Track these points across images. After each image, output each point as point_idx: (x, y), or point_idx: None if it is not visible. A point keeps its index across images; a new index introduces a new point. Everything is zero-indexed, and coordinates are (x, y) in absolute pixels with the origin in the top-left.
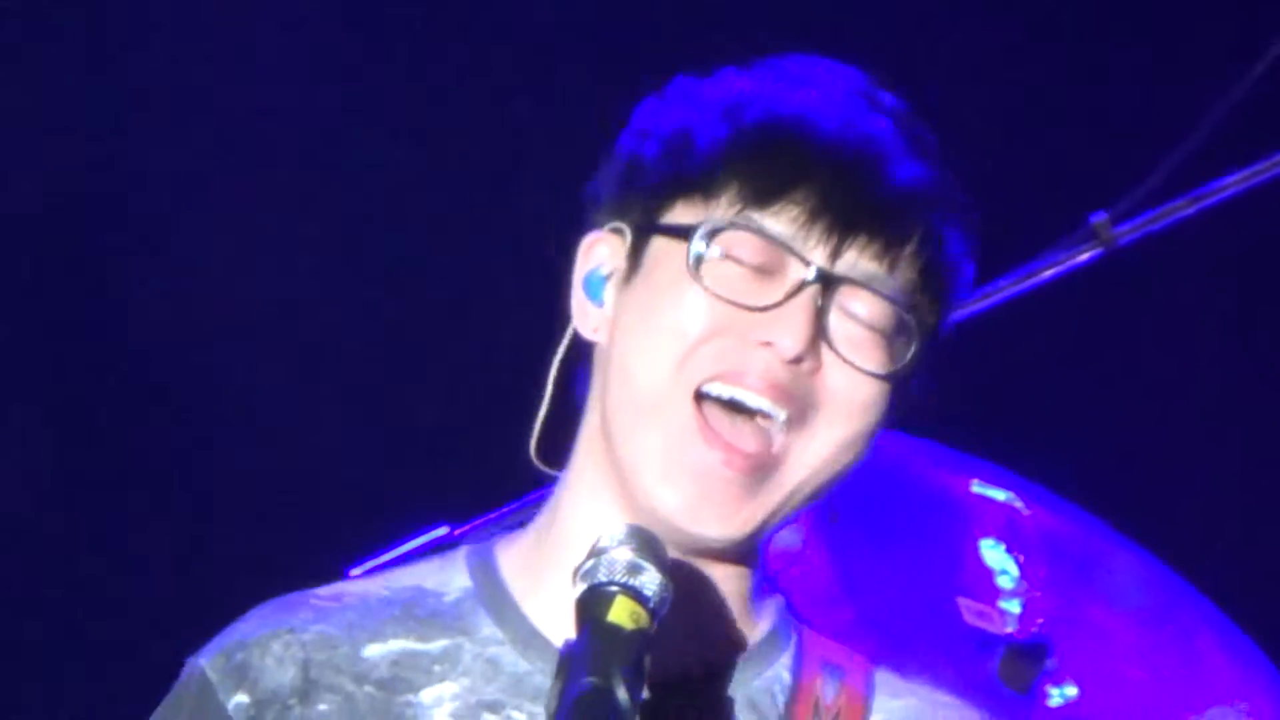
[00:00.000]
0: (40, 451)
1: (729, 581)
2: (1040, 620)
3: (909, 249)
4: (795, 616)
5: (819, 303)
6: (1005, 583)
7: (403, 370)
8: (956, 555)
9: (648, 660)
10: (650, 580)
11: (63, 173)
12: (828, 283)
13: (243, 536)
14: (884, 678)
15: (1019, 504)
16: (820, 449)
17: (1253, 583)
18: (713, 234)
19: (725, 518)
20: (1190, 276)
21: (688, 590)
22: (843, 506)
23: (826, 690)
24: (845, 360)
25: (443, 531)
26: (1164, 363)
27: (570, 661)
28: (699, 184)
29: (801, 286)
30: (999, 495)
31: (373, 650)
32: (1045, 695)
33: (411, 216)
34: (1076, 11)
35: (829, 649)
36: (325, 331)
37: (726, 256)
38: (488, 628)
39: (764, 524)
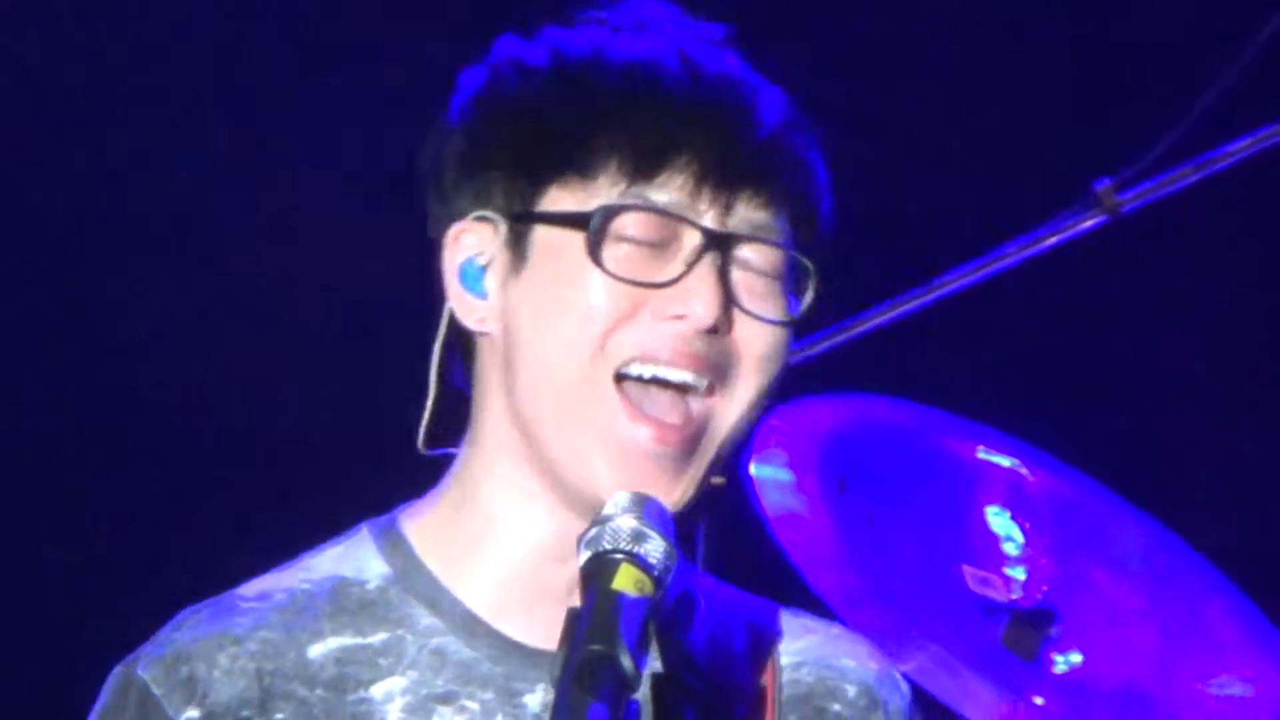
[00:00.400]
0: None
1: None
2: (1045, 587)
3: (792, 192)
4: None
5: (720, 265)
6: (1010, 549)
7: (398, 363)
8: (961, 522)
9: (653, 627)
10: (655, 548)
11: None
12: (724, 244)
13: (229, 526)
14: (787, 619)
15: (1024, 470)
16: (741, 406)
17: (1260, 549)
18: (606, 218)
19: (667, 493)
20: (1194, 243)
21: None
22: (850, 475)
23: (735, 640)
24: (754, 316)
25: None
26: (1168, 329)
27: (574, 629)
28: (573, 164)
29: (701, 254)
30: (1004, 461)
31: (315, 650)
32: (1050, 662)
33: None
34: None
35: (735, 594)
36: (314, 325)
37: (622, 238)
38: (425, 617)
39: (698, 487)
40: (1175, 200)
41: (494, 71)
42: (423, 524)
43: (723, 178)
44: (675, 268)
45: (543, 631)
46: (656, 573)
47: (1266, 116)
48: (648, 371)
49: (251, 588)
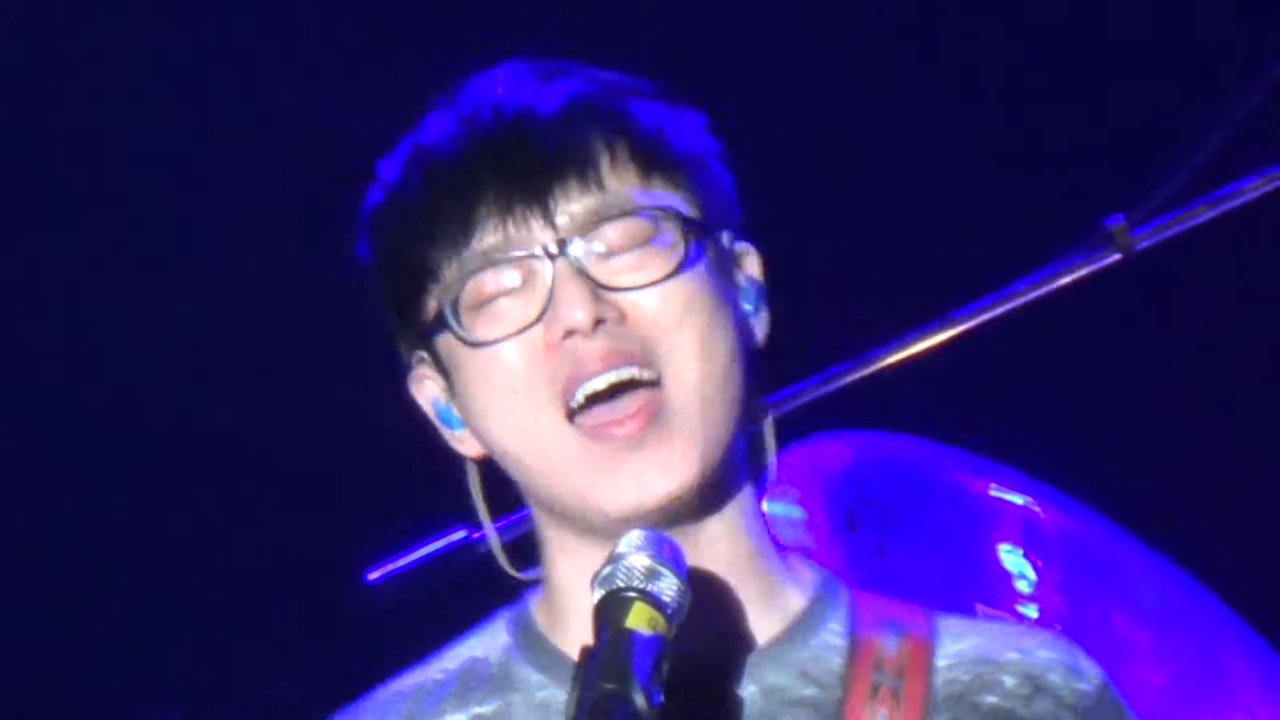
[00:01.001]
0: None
1: (734, 551)
2: (1058, 625)
3: (603, 161)
4: (842, 580)
5: (574, 268)
6: (1023, 587)
7: None
8: (975, 559)
9: (666, 665)
10: (668, 585)
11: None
12: (564, 248)
13: (262, 542)
14: (946, 623)
15: (1037, 508)
16: (682, 371)
17: (1273, 590)
18: (454, 303)
19: (645, 479)
20: (1208, 281)
21: (697, 575)
22: (860, 512)
23: (887, 645)
24: (634, 288)
25: (460, 536)
26: (1183, 367)
27: (588, 667)
28: (415, 270)
29: (551, 270)
30: (1017, 499)
31: None
32: None
33: None
34: (1094, 13)
35: (884, 605)
36: (342, 333)
37: (481, 303)
38: (534, 675)
39: (703, 451)
40: (1189, 237)
41: (362, 212)
42: (540, 598)
43: (520, 198)
44: (542, 297)
45: None
46: (669, 610)
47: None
48: (580, 395)
49: (396, 682)
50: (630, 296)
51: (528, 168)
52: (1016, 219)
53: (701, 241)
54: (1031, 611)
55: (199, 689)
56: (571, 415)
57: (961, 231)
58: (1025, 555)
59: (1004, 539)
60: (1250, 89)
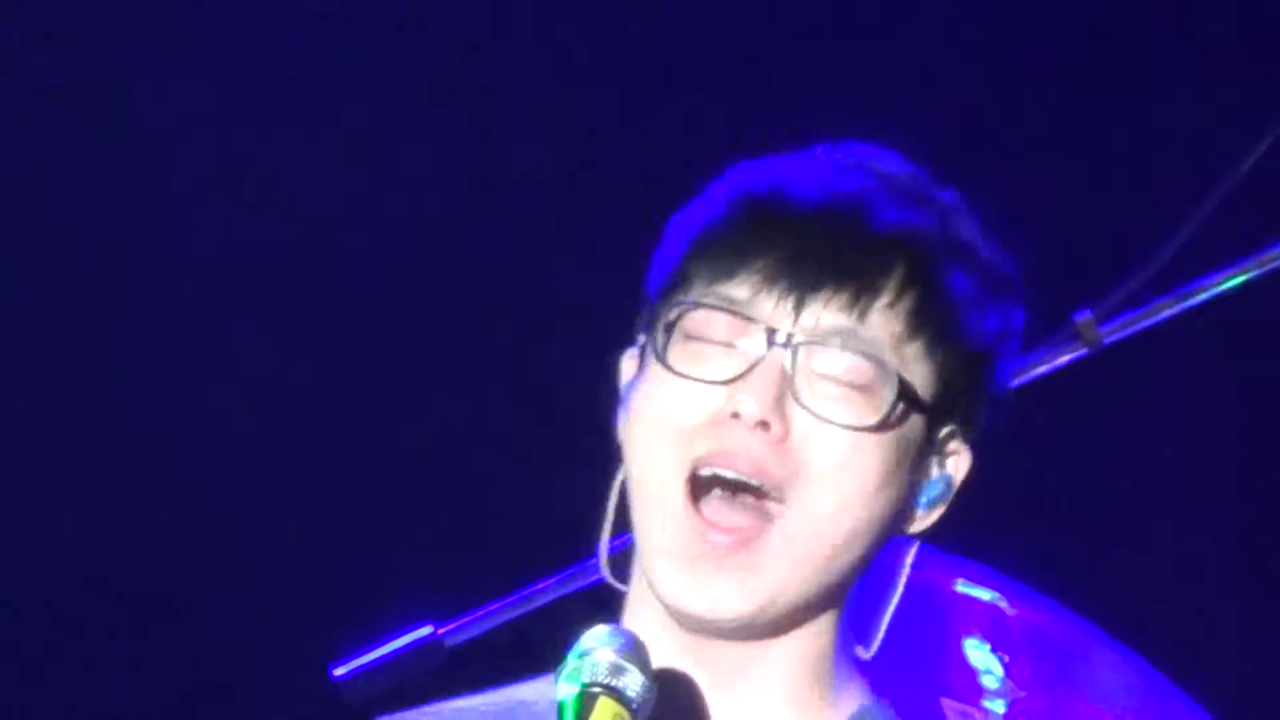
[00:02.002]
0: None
1: (789, 670)
2: None
3: (884, 298)
4: (890, 699)
5: (785, 365)
6: (990, 683)
7: (387, 469)
8: (940, 654)
9: None
10: (633, 681)
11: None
12: (789, 343)
13: (227, 634)
14: None
15: (1004, 603)
16: (810, 515)
17: (1244, 686)
18: (676, 317)
19: (717, 595)
20: (1177, 376)
21: (738, 676)
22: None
23: None
24: (820, 418)
25: (427, 631)
26: (1150, 462)
27: None
28: (678, 276)
29: (763, 352)
30: (984, 595)
31: None
32: None
33: (412, 313)
34: (1057, 106)
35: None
36: (303, 426)
37: (691, 337)
38: None
39: (773, 597)
40: (1157, 332)
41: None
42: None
43: (794, 277)
44: (740, 366)
45: None
46: (635, 705)
47: (1250, 246)
48: (707, 471)
49: (435, 706)
50: (808, 424)
51: (824, 254)
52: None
53: (914, 420)
54: (999, 706)
55: None
56: (691, 480)
57: None
58: (992, 650)
59: (970, 634)
60: (1218, 184)
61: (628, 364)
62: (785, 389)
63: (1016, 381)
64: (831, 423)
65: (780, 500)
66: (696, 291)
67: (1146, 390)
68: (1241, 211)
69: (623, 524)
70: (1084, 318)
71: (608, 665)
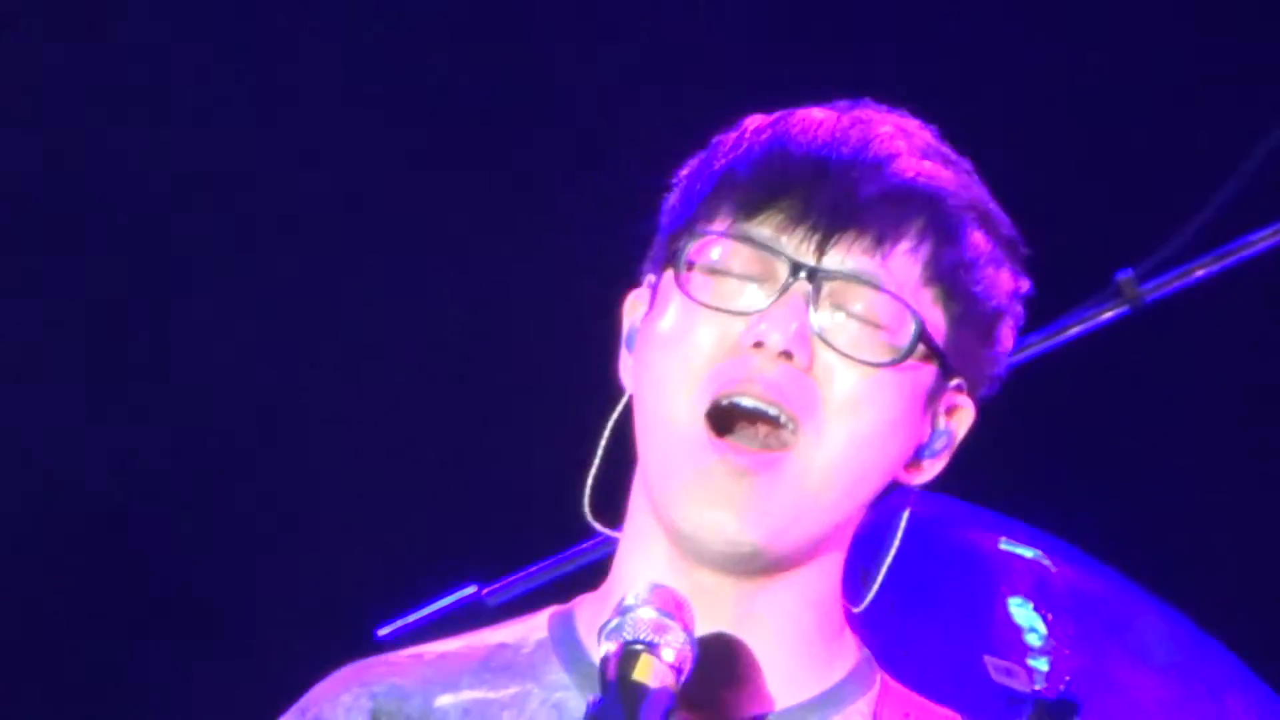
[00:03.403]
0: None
1: (793, 613)
2: (1068, 678)
3: (905, 243)
4: (880, 666)
5: (809, 299)
6: (1033, 640)
7: (430, 430)
8: (984, 613)
9: (675, 718)
10: (675, 638)
11: None
12: (813, 278)
13: (272, 595)
14: None
15: (1047, 561)
16: (829, 447)
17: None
18: (698, 247)
19: (740, 517)
20: (1218, 333)
21: (744, 620)
22: (873, 566)
23: None
24: (839, 353)
25: (471, 591)
26: (1192, 420)
27: None
28: (699, 212)
29: (787, 284)
30: (1027, 553)
31: (444, 700)
32: None
33: (435, 274)
34: (1102, 66)
35: (914, 704)
36: (351, 388)
37: (716, 270)
38: (556, 673)
39: (786, 527)
40: (1199, 290)
41: (716, 139)
42: (588, 602)
43: (820, 216)
44: (765, 299)
45: None
46: (677, 663)
47: None
48: (725, 399)
49: (409, 650)
50: (829, 358)
51: (851, 197)
52: (1026, 273)
53: (927, 367)
54: (1042, 665)
55: None
56: (711, 413)
57: None
58: (1036, 609)
59: (1014, 593)
60: (1260, 144)
61: (636, 305)
62: (807, 322)
63: (1059, 339)
64: (851, 358)
65: (796, 431)
66: (718, 226)
67: (1188, 348)
68: None
69: (614, 465)
70: (1126, 276)
71: (649, 622)
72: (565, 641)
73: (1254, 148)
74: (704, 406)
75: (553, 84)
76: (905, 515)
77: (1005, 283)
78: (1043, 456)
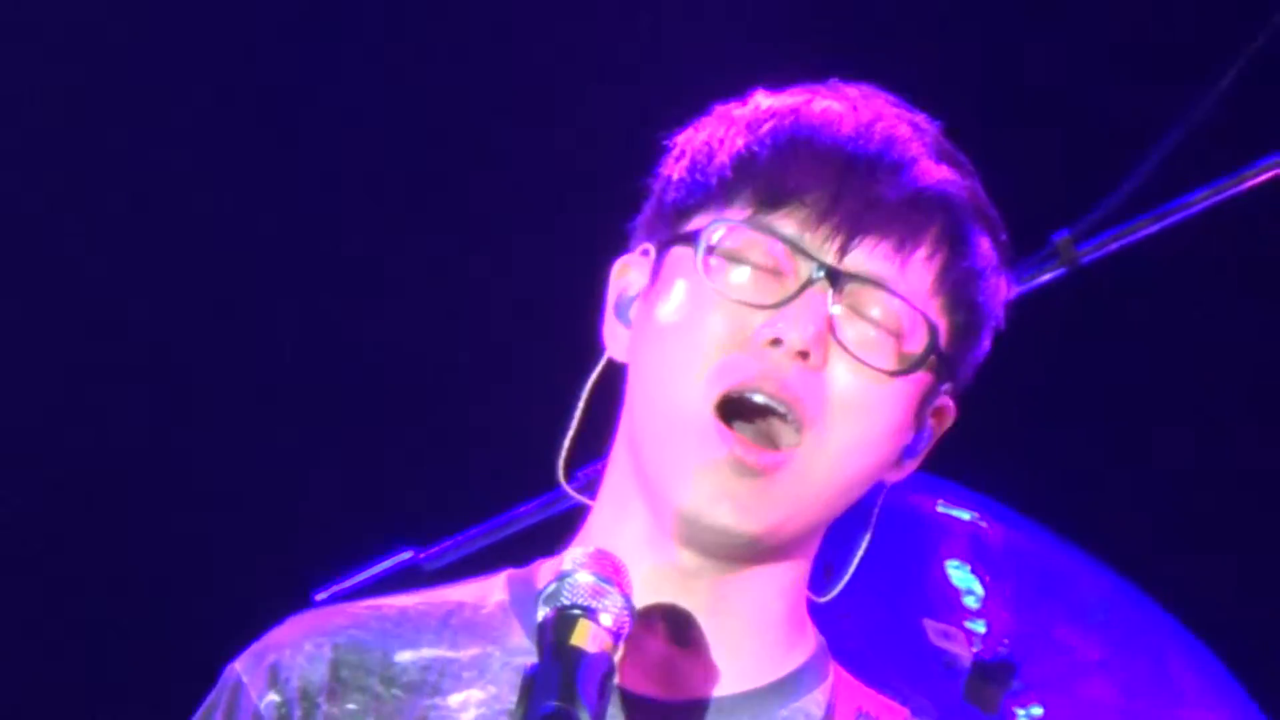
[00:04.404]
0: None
1: (763, 600)
2: (1006, 640)
3: (923, 250)
4: (834, 659)
5: (828, 300)
6: (971, 603)
7: (365, 396)
8: (922, 576)
9: (612, 682)
10: (613, 603)
11: None
12: (835, 280)
13: (207, 559)
14: None
15: (984, 524)
16: (833, 449)
17: (1221, 600)
18: (721, 235)
19: (741, 510)
20: (1153, 294)
21: (717, 603)
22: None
23: None
24: (855, 357)
25: (406, 556)
26: (1128, 380)
27: (534, 685)
28: (715, 193)
29: (808, 283)
30: (964, 515)
31: (404, 656)
32: (1013, 716)
33: (390, 250)
34: (1035, 26)
35: (866, 696)
36: (286, 353)
37: (735, 259)
38: (518, 637)
39: (782, 523)
40: (1134, 250)
41: (695, 127)
42: (549, 561)
43: (844, 217)
44: (783, 294)
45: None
46: (614, 627)
47: (1225, 166)
48: (736, 392)
49: (368, 602)
50: (842, 361)
51: (876, 200)
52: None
53: (930, 374)
54: (979, 627)
55: (145, 711)
56: (719, 405)
57: None
58: (973, 571)
59: (952, 555)
60: (1197, 103)
61: (632, 272)
62: (825, 324)
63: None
64: (865, 364)
65: (800, 431)
66: (736, 213)
67: (1124, 308)
68: (1222, 130)
69: (589, 433)
70: (1062, 237)
71: (587, 587)
72: (526, 605)
73: (1187, 108)
74: (714, 397)
75: (553, 84)
76: (876, 513)
77: (1002, 290)
78: (979, 418)
